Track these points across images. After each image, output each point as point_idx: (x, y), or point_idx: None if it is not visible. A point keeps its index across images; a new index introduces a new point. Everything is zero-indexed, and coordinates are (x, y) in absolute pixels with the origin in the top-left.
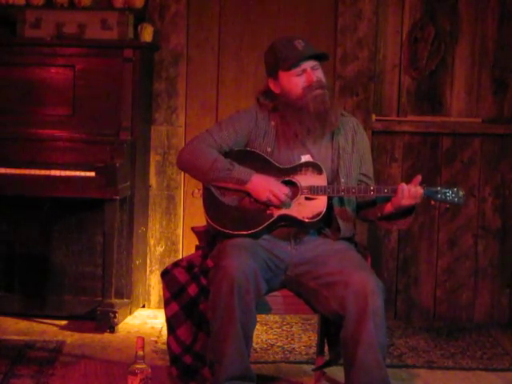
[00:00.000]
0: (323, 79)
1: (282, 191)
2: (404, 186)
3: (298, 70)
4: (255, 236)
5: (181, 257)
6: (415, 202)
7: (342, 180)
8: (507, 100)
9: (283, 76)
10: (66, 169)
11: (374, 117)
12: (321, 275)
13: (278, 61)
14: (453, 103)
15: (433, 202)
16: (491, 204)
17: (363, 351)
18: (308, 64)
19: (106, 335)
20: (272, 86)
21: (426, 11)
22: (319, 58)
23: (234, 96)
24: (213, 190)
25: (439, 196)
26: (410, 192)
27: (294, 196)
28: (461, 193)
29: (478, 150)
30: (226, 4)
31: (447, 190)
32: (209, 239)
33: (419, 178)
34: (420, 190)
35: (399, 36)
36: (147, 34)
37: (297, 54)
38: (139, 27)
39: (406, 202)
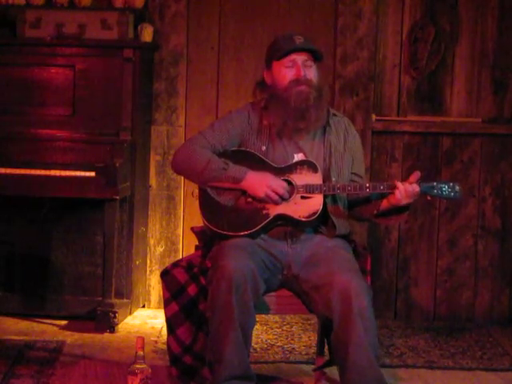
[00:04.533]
0: (314, 78)
1: (281, 185)
2: (400, 185)
3: (288, 60)
4: (252, 236)
5: (181, 257)
6: (413, 200)
7: (333, 179)
8: (507, 100)
9: (275, 66)
10: (66, 169)
11: (374, 117)
12: (311, 278)
13: (273, 51)
14: (453, 103)
15: (429, 198)
16: (491, 204)
17: (354, 352)
18: (299, 57)
19: (106, 335)
20: (266, 76)
21: (426, 11)
22: (314, 55)
23: (234, 96)
24: (208, 190)
25: (435, 191)
26: (407, 192)
27: (289, 195)
28: (457, 187)
29: (478, 150)
30: (225, 4)
31: (443, 185)
32: (207, 240)
33: (418, 174)
34: (416, 188)
35: (399, 36)
36: (147, 33)
37: (290, 45)
38: (139, 27)
39: (404, 201)
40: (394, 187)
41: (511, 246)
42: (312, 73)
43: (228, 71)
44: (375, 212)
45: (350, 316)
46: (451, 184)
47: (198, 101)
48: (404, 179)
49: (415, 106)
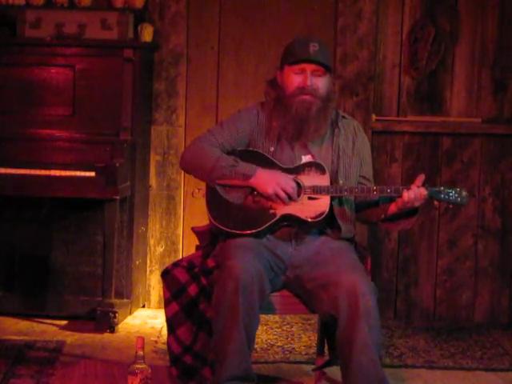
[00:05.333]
0: (321, 89)
1: (290, 184)
2: (405, 192)
3: (297, 68)
4: (258, 235)
5: (181, 257)
6: (420, 203)
7: (341, 182)
8: (507, 100)
9: (286, 70)
10: (66, 169)
11: (374, 117)
12: (317, 277)
13: (287, 54)
14: (453, 103)
15: (436, 203)
16: (491, 204)
17: (358, 352)
18: (309, 67)
19: (106, 335)
20: (278, 76)
21: (426, 11)
22: (325, 67)
23: (234, 96)
24: (218, 188)
25: (442, 196)
26: (415, 195)
27: (297, 196)
28: (464, 193)
29: (478, 150)
30: (225, 4)
31: (450, 190)
32: (211, 238)
33: (422, 177)
34: (424, 192)
35: (399, 36)
36: (147, 33)
37: (303, 53)
38: (139, 27)
39: (410, 204)
40: (401, 193)
41: (511, 246)
42: (321, 82)
43: (228, 71)
44: (382, 216)
45: (356, 315)
46: (458, 189)
47: (198, 101)
48: (404, 179)
49: (415, 105)
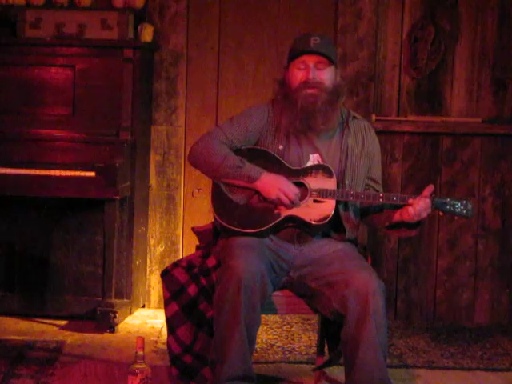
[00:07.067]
0: (325, 81)
1: (293, 191)
2: (413, 202)
3: (299, 62)
4: (261, 235)
5: (181, 257)
6: (426, 214)
7: (347, 182)
8: (507, 100)
9: (290, 66)
10: (65, 169)
11: (374, 117)
12: (323, 275)
13: (290, 51)
14: (453, 103)
15: (441, 213)
16: (491, 204)
17: (364, 351)
18: (311, 59)
19: (106, 335)
20: (284, 75)
21: (426, 11)
22: (326, 58)
23: (234, 96)
24: (222, 186)
25: (448, 207)
26: (421, 209)
27: (302, 198)
28: (470, 205)
29: (477, 150)
30: (225, 4)
31: (456, 202)
32: (210, 238)
33: (431, 188)
34: (428, 203)
35: (399, 36)
36: (147, 33)
37: (303, 46)
38: (139, 27)
39: (417, 218)
40: (407, 201)
41: (511, 246)
42: (324, 75)
43: (228, 71)
44: (387, 224)
45: (364, 315)
46: (464, 202)
47: (198, 101)
48: (404, 179)
49: (415, 106)
